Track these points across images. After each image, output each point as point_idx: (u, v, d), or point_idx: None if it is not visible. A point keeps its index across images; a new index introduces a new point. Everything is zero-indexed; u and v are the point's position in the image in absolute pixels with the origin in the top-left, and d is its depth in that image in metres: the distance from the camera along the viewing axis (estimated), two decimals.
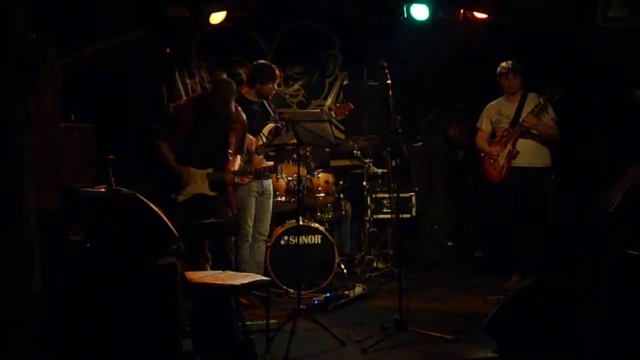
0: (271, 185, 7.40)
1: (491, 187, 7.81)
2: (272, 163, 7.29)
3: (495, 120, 7.61)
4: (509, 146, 7.35)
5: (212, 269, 6.63)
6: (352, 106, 7.27)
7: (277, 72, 7.21)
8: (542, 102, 7.21)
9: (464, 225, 8.99)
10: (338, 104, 7.45)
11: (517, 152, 7.34)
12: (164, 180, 6.64)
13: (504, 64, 7.51)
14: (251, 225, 7.17)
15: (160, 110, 8.34)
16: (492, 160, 7.56)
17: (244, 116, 6.86)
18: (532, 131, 7.30)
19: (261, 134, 7.05)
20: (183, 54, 9.14)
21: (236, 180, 6.81)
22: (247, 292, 6.72)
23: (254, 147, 7.02)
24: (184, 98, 6.73)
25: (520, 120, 7.33)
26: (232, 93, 6.69)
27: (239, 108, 6.77)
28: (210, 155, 6.71)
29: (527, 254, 7.44)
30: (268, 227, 7.42)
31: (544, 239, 7.39)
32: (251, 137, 7.00)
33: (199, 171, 6.66)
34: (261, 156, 7.12)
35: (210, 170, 6.67)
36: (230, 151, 6.76)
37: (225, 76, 9.40)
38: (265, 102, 7.29)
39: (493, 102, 7.70)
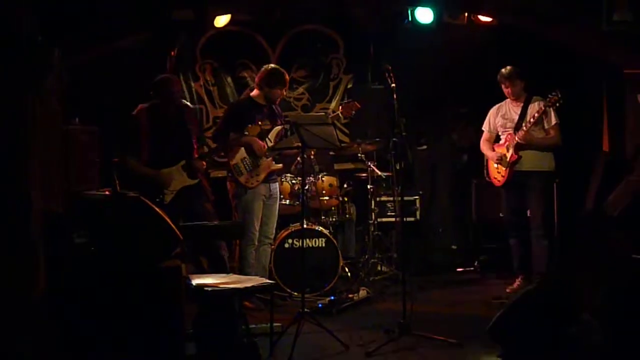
0: (278, 189, 7.40)
1: (495, 190, 7.80)
2: (280, 166, 7.31)
3: (500, 123, 7.59)
4: (512, 150, 7.33)
5: (208, 269, 6.70)
6: (358, 105, 7.24)
7: (287, 77, 7.21)
8: (544, 107, 7.19)
9: (468, 228, 8.98)
10: (345, 102, 7.43)
11: (520, 157, 7.31)
12: (144, 188, 6.70)
13: (502, 70, 7.47)
14: (257, 228, 7.17)
15: None
16: (495, 164, 7.55)
17: (191, 105, 7.34)
18: (532, 140, 7.30)
19: (267, 137, 7.04)
20: (188, 57, 9.15)
21: (204, 164, 7.07)
22: (251, 295, 6.74)
23: (262, 151, 7.03)
24: (136, 109, 6.82)
25: (516, 133, 7.30)
26: (173, 87, 6.92)
27: (187, 103, 7.08)
28: (178, 150, 6.86)
29: (531, 257, 7.43)
30: (274, 231, 7.42)
31: (548, 243, 7.38)
32: (260, 141, 7.02)
33: (173, 167, 6.80)
34: (269, 159, 7.13)
35: (183, 162, 6.82)
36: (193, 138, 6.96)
37: (230, 79, 9.41)
38: (273, 106, 7.30)
39: (498, 105, 7.68)
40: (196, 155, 6.90)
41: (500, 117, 7.58)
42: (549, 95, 7.09)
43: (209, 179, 7.18)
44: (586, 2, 6.78)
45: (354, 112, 7.28)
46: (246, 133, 7.04)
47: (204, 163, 6.99)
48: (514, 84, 7.41)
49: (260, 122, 7.11)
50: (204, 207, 6.90)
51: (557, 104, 7.08)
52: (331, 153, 8.36)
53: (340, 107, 7.34)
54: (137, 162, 6.76)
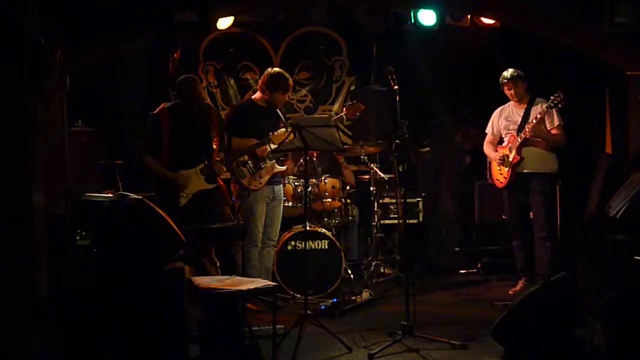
0: (282, 191, 7.39)
1: (498, 192, 7.80)
2: (284, 168, 7.30)
3: (503, 125, 7.58)
4: (514, 152, 7.32)
5: (220, 272, 6.66)
6: (363, 107, 7.25)
7: (290, 82, 7.18)
8: (545, 108, 7.18)
9: (471, 230, 8.97)
10: (349, 104, 7.42)
11: (522, 158, 7.30)
12: (161, 188, 6.69)
13: (504, 73, 7.47)
14: (261, 230, 7.15)
15: None
16: (498, 166, 7.54)
17: (216, 108, 7.18)
18: (535, 139, 7.28)
19: (269, 139, 7.00)
20: (191, 59, 9.15)
21: (224, 169, 6.98)
22: (255, 297, 6.74)
23: (262, 154, 7.01)
24: (158, 108, 6.78)
25: (519, 135, 7.30)
26: (197, 87, 6.89)
27: (211, 105, 7.00)
28: (198, 152, 6.81)
29: (534, 259, 7.43)
30: (278, 233, 7.40)
31: (551, 245, 7.37)
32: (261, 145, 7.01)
33: (191, 170, 6.75)
34: (273, 161, 7.12)
35: (201, 165, 6.78)
36: (214, 143, 6.88)
37: (233, 81, 9.43)
38: (277, 109, 7.28)
39: (501, 107, 7.67)
40: (217, 159, 6.86)
41: (504, 119, 7.57)
42: (552, 96, 7.09)
43: (224, 181, 7.13)
44: (589, 4, 6.77)
45: (358, 114, 7.27)
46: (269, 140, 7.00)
47: (224, 167, 6.95)
48: (517, 85, 7.40)
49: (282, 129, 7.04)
50: (221, 211, 6.85)
51: (560, 105, 7.08)
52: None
53: (344, 109, 7.33)
54: (155, 162, 6.72)
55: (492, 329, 5.48)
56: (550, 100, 7.11)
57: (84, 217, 4.79)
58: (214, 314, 5.39)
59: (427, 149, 9.13)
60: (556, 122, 7.28)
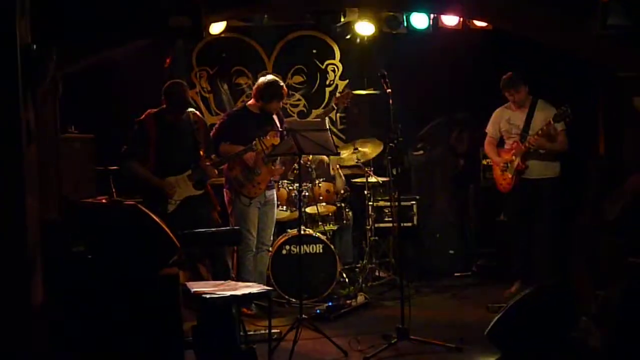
0: (274, 195, 7.39)
1: (494, 195, 7.80)
2: (282, 169, 7.32)
3: (505, 128, 7.55)
4: (518, 160, 7.29)
5: (211, 275, 6.67)
6: (352, 93, 7.29)
7: (284, 90, 7.17)
8: (551, 122, 7.14)
9: (466, 233, 8.98)
10: (339, 93, 7.42)
11: (526, 167, 7.30)
12: (148, 195, 6.67)
13: (505, 78, 7.43)
14: (254, 235, 7.15)
15: None
16: (501, 171, 7.52)
17: (201, 115, 7.16)
18: (540, 150, 7.28)
19: (262, 144, 6.98)
20: (183, 64, 9.14)
21: (216, 172, 7.01)
22: (250, 302, 6.75)
23: (251, 160, 6.99)
24: (144, 114, 6.75)
25: (527, 139, 7.27)
26: (185, 93, 6.84)
27: (197, 113, 6.96)
28: (185, 158, 6.80)
29: (529, 262, 7.43)
30: (271, 237, 7.40)
31: (548, 247, 7.38)
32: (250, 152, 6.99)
33: (179, 176, 6.74)
34: (268, 164, 7.10)
35: (189, 171, 6.76)
36: (201, 150, 6.87)
37: (226, 86, 9.41)
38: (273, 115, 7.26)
39: (503, 108, 7.65)
40: (208, 163, 6.84)
41: (505, 122, 7.54)
42: (557, 109, 7.05)
43: (213, 187, 7.12)
44: (581, 6, 6.78)
45: (349, 101, 7.28)
46: (254, 145, 6.97)
47: (216, 171, 6.95)
48: (519, 90, 7.37)
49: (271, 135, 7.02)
50: (209, 216, 6.83)
51: (567, 119, 7.03)
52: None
53: (334, 99, 7.35)
54: (142, 168, 6.70)
55: (487, 332, 5.48)
56: (556, 114, 7.05)
57: (78, 223, 4.77)
58: (209, 319, 5.39)
59: (421, 152, 9.13)
60: (559, 127, 7.25)
